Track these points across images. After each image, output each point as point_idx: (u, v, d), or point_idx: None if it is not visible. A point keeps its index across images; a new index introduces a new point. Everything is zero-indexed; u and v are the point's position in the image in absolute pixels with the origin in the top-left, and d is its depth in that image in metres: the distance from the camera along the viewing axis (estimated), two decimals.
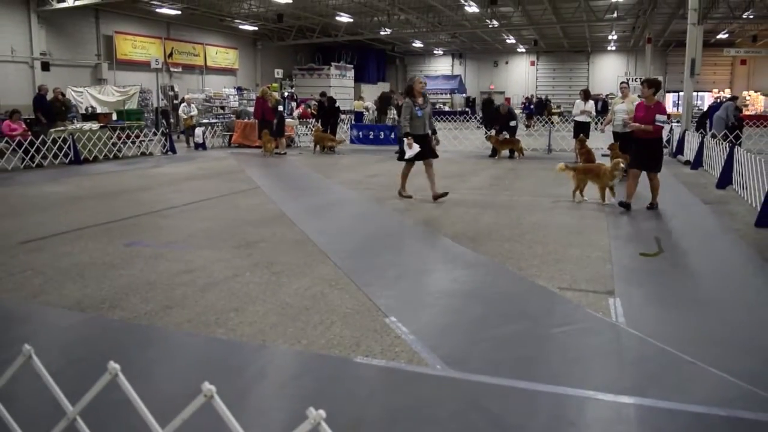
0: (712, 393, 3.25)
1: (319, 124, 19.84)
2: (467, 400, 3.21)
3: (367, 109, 30.75)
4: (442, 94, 43.71)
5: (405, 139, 9.27)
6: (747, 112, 32.59)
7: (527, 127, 28.34)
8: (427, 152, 9.46)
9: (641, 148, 8.51)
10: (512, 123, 16.69)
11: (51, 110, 16.69)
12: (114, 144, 16.63)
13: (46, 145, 14.53)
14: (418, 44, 43.63)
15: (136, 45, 28.00)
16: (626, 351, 3.83)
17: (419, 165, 9.48)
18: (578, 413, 3.10)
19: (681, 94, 17.90)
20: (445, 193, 9.43)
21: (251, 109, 22.47)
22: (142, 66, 26.90)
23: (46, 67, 22.61)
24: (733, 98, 18.19)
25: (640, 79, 9.57)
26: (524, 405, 3.17)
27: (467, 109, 40.72)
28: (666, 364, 3.59)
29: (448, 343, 3.93)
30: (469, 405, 3.15)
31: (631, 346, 3.88)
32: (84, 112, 21.43)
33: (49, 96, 17.15)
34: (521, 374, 3.45)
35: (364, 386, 3.42)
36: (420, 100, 9.33)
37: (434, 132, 9.75)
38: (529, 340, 3.98)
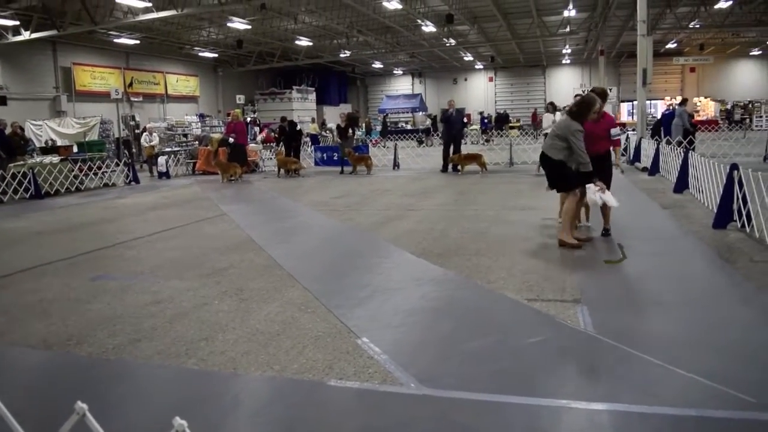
0: (682, 394, 3.32)
1: (281, 149, 19.94)
2: (442, 417, 3.23)
3: (330, 130, 30.91)
4: (403, 113, 44.09)
5: (594, 184, 7.03)
6: (698, 118, 33.62)
7: (487, 141, 28.83)
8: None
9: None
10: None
11: (10, 145, 16.38)
12: (75, 176, 16.39)
13: (5, 181, 14.25)
14: (378, 65, 44.02)
15: (95, 76, 27.70)
16: (596, 357, 3.90)
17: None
18: (553, 423, 3.14)
19: (635, 103, 18.44)
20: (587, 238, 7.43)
21: (215, 136, 22.38)
22: (102, 97, 26.61)
23: (3, 101, 22.21)
24: (683, 102, 18.72)
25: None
26: (499, 418, 3.20)
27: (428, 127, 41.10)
28: (636, 368, 3.65)
29: (421, 360, 3.95)
30: (444, 422, 3.17)
31: (600, 353, 3.95)
32: (43, 145, 21.10)
33: (8, 131, 16.84)
34: (494, 388, 3.48)
35: (339, 409, 3.42)
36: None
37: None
38: (501, 352, 4.02)
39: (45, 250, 8.23)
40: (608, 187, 7.37)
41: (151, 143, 20.52)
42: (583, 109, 7.05)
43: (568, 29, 29.89)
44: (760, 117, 36.47)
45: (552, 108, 15.92)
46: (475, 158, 16.66)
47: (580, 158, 6.90)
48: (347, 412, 3.38)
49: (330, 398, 3.52)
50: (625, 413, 3.14)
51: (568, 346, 4.12)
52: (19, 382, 3.96)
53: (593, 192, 7.13)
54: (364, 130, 37.10)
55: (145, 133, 21.37)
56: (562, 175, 7.12)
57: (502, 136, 30.47)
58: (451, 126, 17.23)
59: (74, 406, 1.49)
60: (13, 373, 4.14)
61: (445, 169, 17.16)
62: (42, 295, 5.86)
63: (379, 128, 38.16)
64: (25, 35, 22.03)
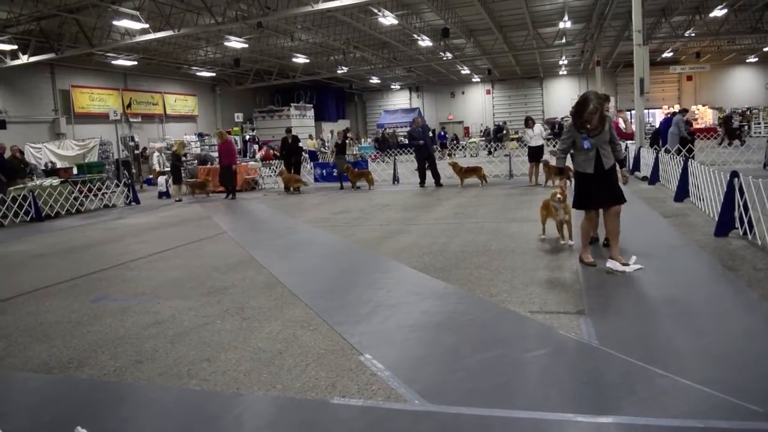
0: (687, 405, 3.29)
1: (283, 166, 20.04)
2: None
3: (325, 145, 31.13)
4: (402, 127, 44.25)
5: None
6: (697, 126, 33.73)
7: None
8: (607, 196, 6.63)
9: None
10: (420, 142, 17.50)
11: (10, 168, 16.44)
12: (76, 198, 16.42)
13: (6, 204, 14.27)
14: (375, 80, 44.24)
15: (93, 98, 27.86)
16: (600, 369, 3.86)
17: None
18: None
19: (633, 112, 18.45)
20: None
21: (214, 154, 22.58)
22: (101, 118, 26.72)
23: (2, 125, 22.32)
24: (683, 111, 18.74)
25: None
26: None
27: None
28: (640, 380, 3.63)
29: (425, 376, 3.92)
30: None
31: (604, 364, 3.92)
32: (43, 167, 21.19)
33: (7, 154, 16.92)
34: (499, 402, 3.45)
35: (343, 428, 3.39)
36: (590, 125, 6.41)
37: (621, 165, 6.95)
38: (505, 366, 3.99)
39: (46, 272, 8.22)
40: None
41: (163, 163, 20.86)
42: (578, 107, 6.48)
43: (564, 40, 30.06)
44: (759, 124, 36.55)
45: (529, 123, 16.56)
46: (474, 171, 16.71)
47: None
48: (351, 430, 3.35)
49: (334, 416, 3.49)
50: (630, 425, 3.11)
51: (572, 359, 4.09)
52: (20, 407, 3.93)
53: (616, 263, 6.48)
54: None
55: (156, 154, 21.73)
56: (580, 187, 6.70)
57: (499, 148, 30.59)
58: (421, 143, 17.59)
59: (75, 430, 1.47)
60: (14, 398, 4.11)
61: (422, 184, 17.57)
62: (43, 318, 5.85)
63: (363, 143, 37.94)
64: (23, 59, 22.21)
